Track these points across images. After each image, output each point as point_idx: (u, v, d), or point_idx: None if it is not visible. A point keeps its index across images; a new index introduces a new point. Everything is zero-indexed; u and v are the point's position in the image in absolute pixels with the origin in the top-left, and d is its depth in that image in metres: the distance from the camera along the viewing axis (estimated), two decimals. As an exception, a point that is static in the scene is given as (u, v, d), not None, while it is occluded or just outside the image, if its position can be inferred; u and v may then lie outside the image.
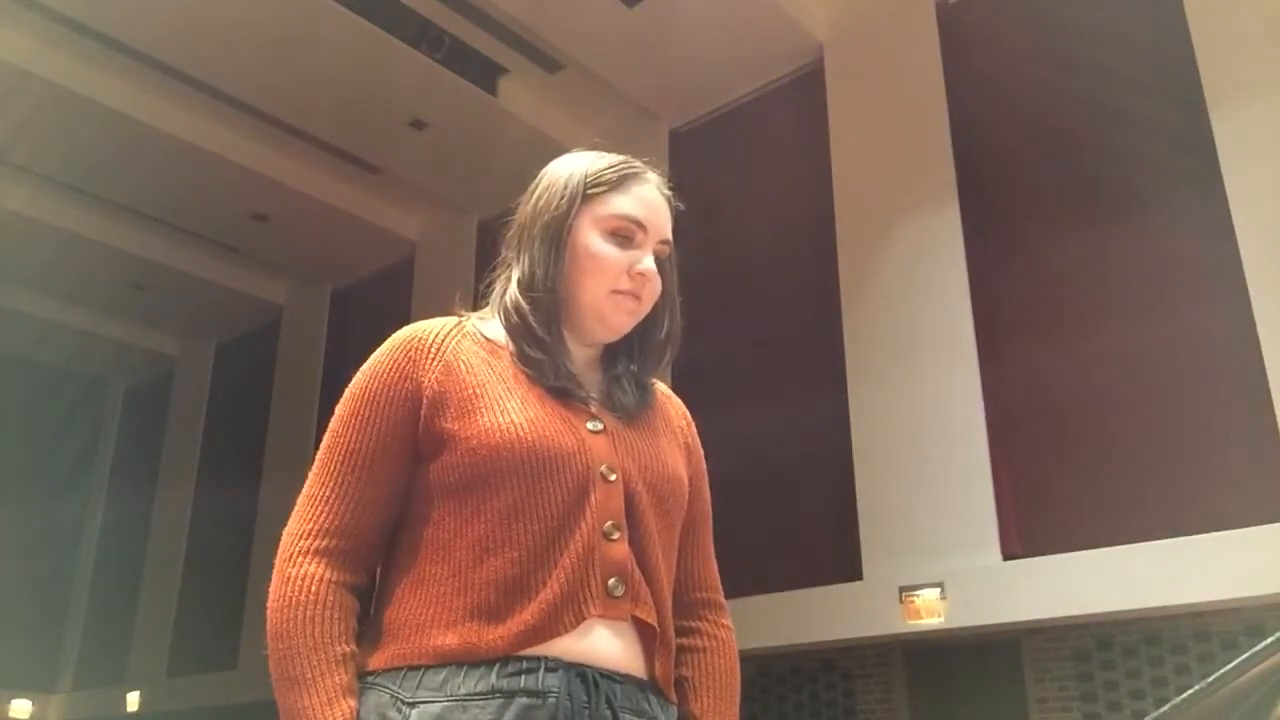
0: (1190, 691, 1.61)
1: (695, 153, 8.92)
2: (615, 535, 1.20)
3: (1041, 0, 7.45)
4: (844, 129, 7.98)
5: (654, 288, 1.33)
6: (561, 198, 1.32)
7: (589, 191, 1.32)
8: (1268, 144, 6.02)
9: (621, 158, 1.36)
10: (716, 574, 1.41)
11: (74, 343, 13.25)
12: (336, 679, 1.13)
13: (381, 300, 11.13)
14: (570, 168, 1.35)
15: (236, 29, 8.02)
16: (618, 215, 1.31)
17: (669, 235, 1.35)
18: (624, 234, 1.30)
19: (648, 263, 1.31)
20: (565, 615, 1.15)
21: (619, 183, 1.33)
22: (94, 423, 14.72)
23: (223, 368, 13.42)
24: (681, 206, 1.39)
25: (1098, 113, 6.83)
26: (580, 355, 1.33)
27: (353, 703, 1.13)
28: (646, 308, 1.33)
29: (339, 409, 1.27)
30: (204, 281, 11.87)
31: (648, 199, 1.34)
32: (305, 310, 12.27)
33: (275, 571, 1.20)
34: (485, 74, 8.84)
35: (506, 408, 1.21)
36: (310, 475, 1.25)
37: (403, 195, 10.68)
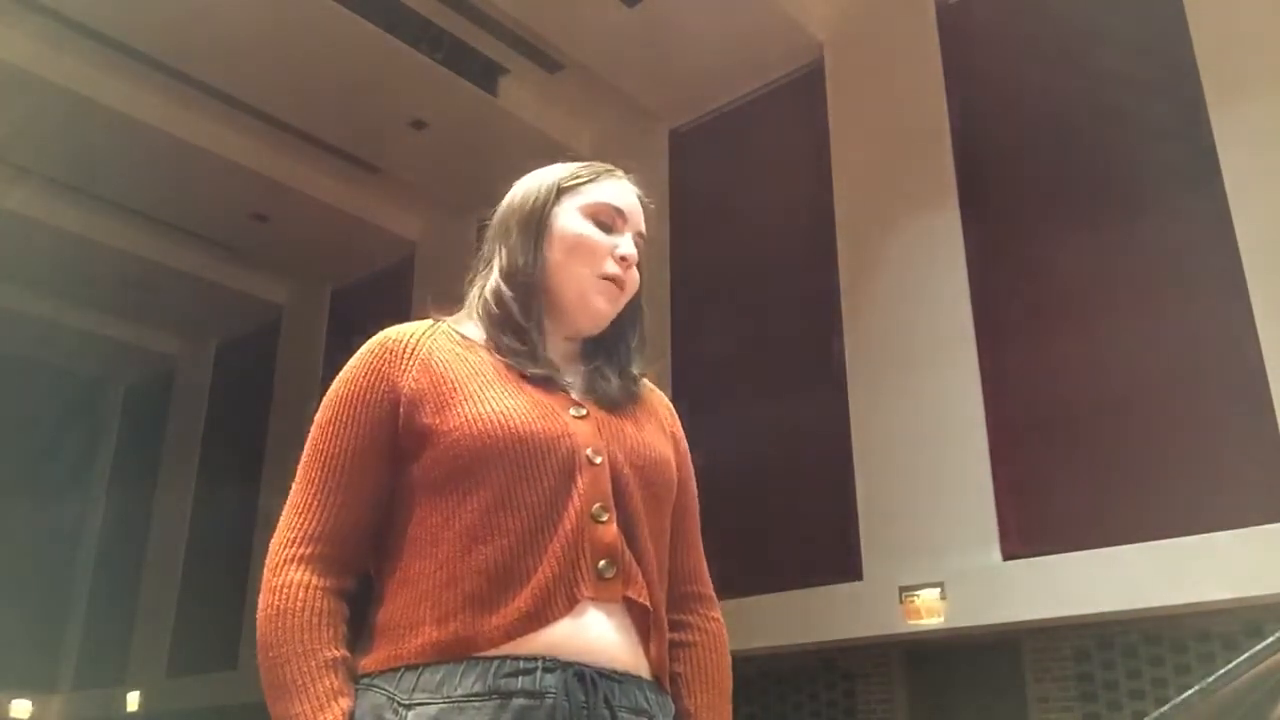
0: (1190, 691, 1.61)
1: (695, 153, 8.92)
2: (604, 517, 1.20)
3: (1042, 0, 7.46)
4: (844, 129, 7.98)
5: (634, 277, 1.35)
6: (539, 193, 1.36)
7: (566, 186, 1.36)
8: (1268, 143, 6.02)
9: (594, 162, 1.41)
10: (705, 567, 1.41)
11: (74, 343, 13.24)
12: (326, 684, 1.13)
13: (381, 300, 11.12)
14: (544, 172, 1.40)
15: (237, 29, 8.01)
16: (598, 201, 1.35)
17: (644, 229, 1.39)
18: (605, 220, 1.34)
19: (630, 247, 1.34)
20: (558, 599, 1.15)
21: (595, 178, 1.37)
22: (94, 423, 14.71)
23: (223, 368, 13.42)
24: (653, 206, 1.42)
25: (1098, 112, 6.83)
26: (560, 350, 1.33)
27: (345, 705, 1.13)
28: (627, 297, 1.35)
29: (318, 415, 1.27)
30: (204, 281, 11.86)
31: (625, 191, 1.38)
32: (305, 310, 12.27)
33: (263, 581, 1.20)
34: (485, 74, 8.84)
35: (486, 397, 1.21)
36: (294, 483, 1.25)
37: (403, 195, 10.68)
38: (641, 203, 1.39)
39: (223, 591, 11.26)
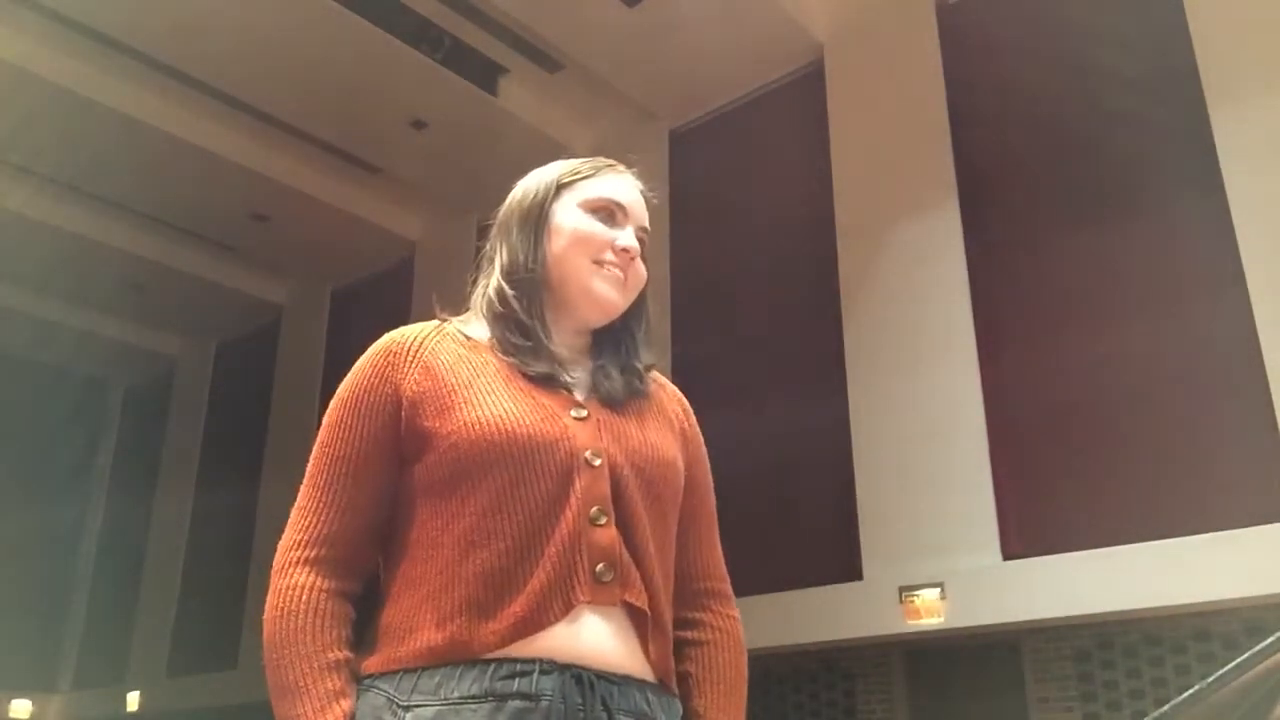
0: (1190, 691, 1.61)
1: (695, 153, 8.92)
2: (602, 520, 1.19)
3: (1041, 0, 7.46)
4: (844, 129, 7.98)
5: (639, 270, 1.35)
6: (539, 190, 1.36)
7: (566, 181, 1.36)
8: (1268, 144, 6.02)
9: (595, 158, 1.41)
10: (722, 563, 1.40)
11: (74, 343, 13.24)
12: (329, 685, 1.15)
13: (381, 300, 11.12)
14: (545, 169, 1.39)
15: (237, 29, 8.02)
16: (598, 195, 1.34)
17: (647, 223, 1.38)
18: (606, 213, 1.34)
19: (631, 239, 1.33)
20: (554, 604, 1.15)
21: (595, 173, 1.37)
22: (94, 423, 14.71)
23: (223, 368, 13.42)
24: (656, 201, 1.42)
25: (1098, 113, 6.83)
26: (568, 346, 1.33)
27: (347, 706, 1.14)
28: (633, 290, 1.35)
29: (325, 417, 1.28)
30: (204, 281, 11.87)
31: (626, 186, 1.38)
32: (305, 310, 12.27)
33: (270, 583, 1.21)
34: (485, 74, 8.84)
35: (486, 401, 1.21)
36: (302, 484, 1.26)
37: (403, 195, 10.69)
38: (645, 197, 1.39)
39: (223, 592, 11.27)
